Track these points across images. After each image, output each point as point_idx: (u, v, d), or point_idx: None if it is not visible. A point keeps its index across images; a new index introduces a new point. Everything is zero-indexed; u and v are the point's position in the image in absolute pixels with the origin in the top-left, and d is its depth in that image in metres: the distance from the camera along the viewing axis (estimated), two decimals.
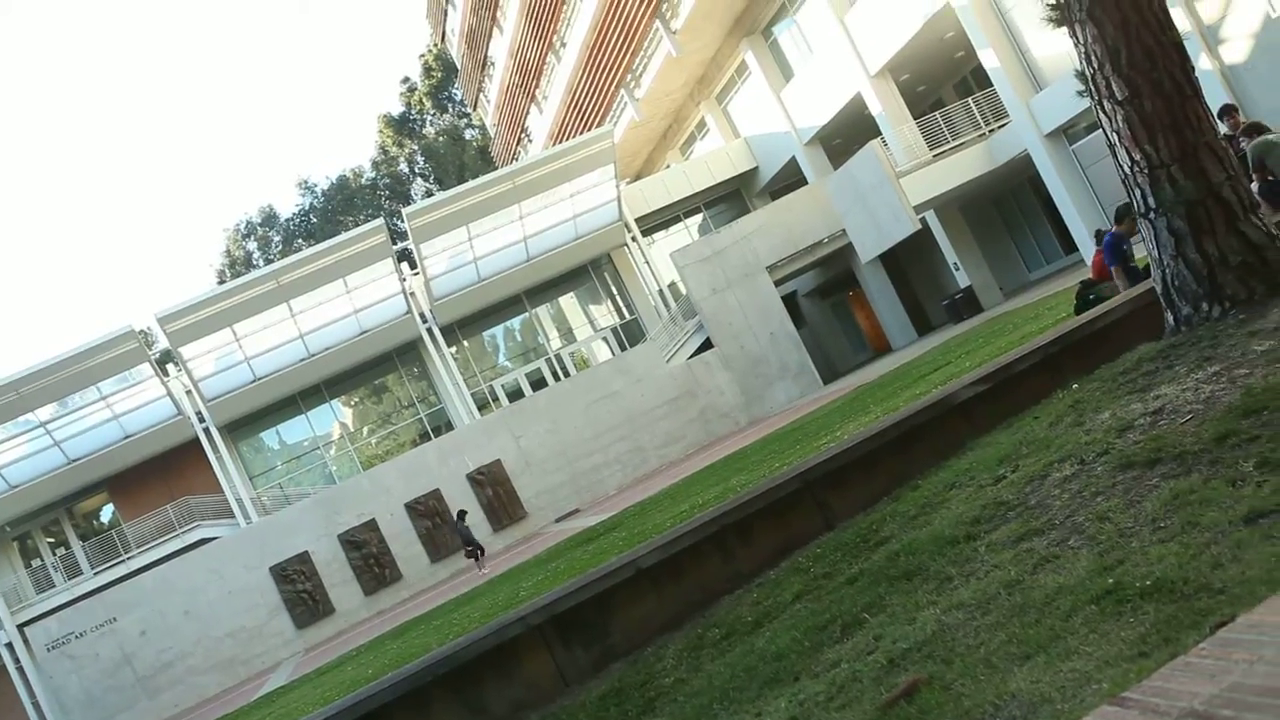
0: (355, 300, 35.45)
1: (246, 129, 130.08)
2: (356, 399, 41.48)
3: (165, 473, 37.80)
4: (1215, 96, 17.16)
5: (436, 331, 37.20)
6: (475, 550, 25.64)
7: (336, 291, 34.64)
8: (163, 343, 43.08)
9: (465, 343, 40.19)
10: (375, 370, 40.15)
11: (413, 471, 31.07)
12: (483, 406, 38.56)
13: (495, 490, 30.97)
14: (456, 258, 36.02)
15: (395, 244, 35.86)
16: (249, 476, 38.46)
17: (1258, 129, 11.78)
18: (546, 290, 40.41)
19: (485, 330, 41.04)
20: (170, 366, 39.35)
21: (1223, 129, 11.97)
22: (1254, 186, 10.14)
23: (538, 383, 38.99)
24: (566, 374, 39.03)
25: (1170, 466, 4.66)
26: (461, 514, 26.58)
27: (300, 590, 29.75)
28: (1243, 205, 7.06)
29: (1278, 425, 4.48)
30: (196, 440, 36.82)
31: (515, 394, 38.64)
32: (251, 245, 72.69)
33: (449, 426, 38.75)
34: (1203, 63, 20.07)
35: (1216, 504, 4.02)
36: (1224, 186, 7.04)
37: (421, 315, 37.18)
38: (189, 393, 36.22)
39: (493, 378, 40.11)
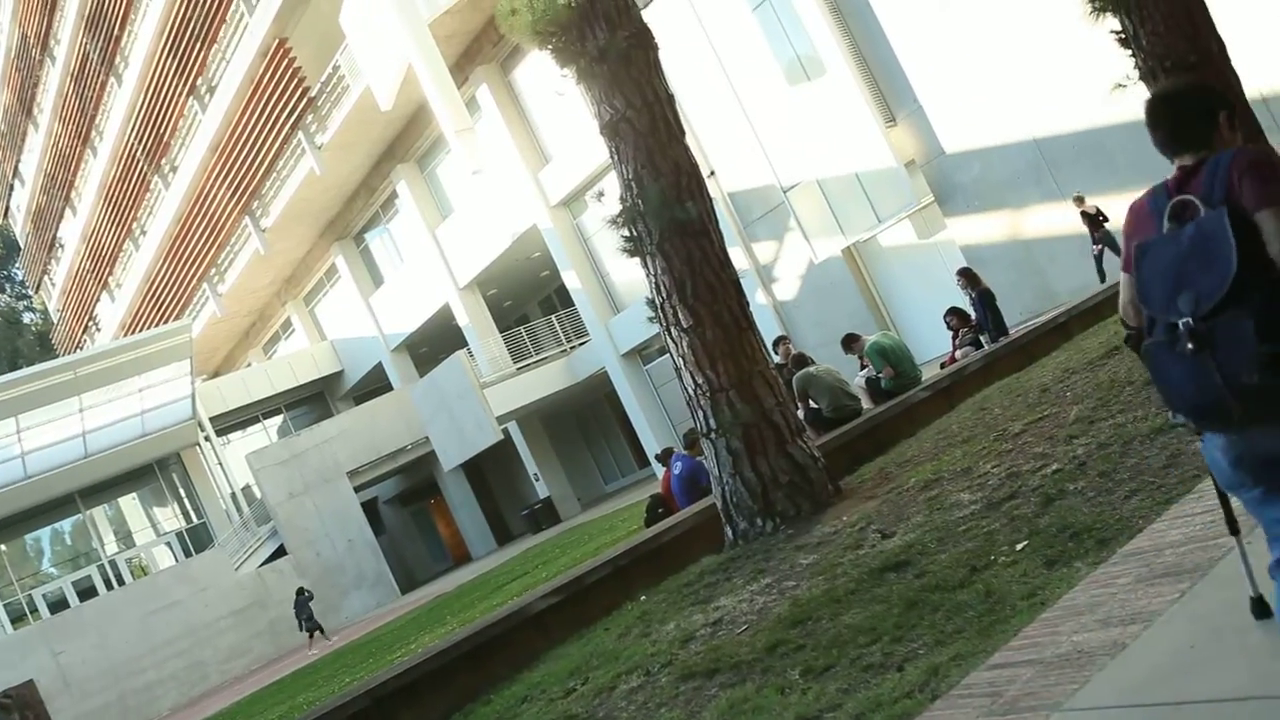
0: None
1: None
2: None
3: None
4: (769, 329, 18.96)
5: None
6: (313, 628, 24.89)
7: None
8: None
9: (3, 547, 36.10)
10: None
11: None
12: (18, 619, 34.46)
13: (25, 716, 27.44)
14: (1, 451, 32.60)
15: None
16: None
17: (802, 361, 13.08)
18: (105, 490, 37.26)
19: (28, 532, 37.10)
20: None
21: (776, 358, 13.20)
22: (800, 413, 11.14)
23: (87, 591, 35.41)
24: (122, 582, 35.80)
25: (728, 676, 4.85)
26: (300, 590, 25.58)
27: None
28: (790, 429, 7.74)
29: (820, 634, 4.80)
30: None
31: (59, 604, 34.83)
32: None
33: None
34: (759, 298, 22.17)
35: (767, 711, 4.20)
36: (775, 412, 7.70)
37: None
38: None
39: (33, 586, 36.09)
